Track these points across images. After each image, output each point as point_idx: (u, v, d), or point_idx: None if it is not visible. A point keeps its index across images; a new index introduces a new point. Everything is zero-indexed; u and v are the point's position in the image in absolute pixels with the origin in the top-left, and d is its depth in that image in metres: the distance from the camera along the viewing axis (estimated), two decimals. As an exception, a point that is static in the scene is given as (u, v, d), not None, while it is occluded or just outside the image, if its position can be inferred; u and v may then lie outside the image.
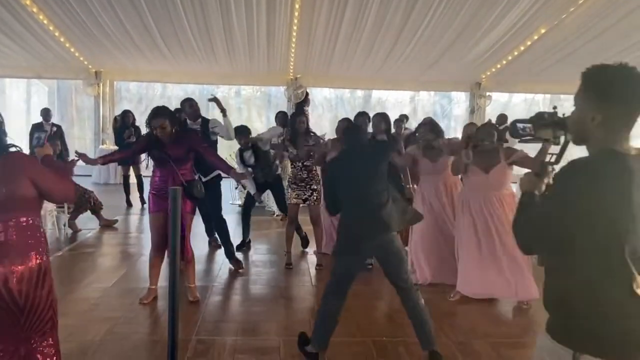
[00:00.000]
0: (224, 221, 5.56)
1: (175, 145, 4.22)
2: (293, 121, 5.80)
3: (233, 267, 5.38)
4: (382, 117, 5.64)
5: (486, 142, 4.49)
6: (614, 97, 1.54)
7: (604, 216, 1.48)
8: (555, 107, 1.84)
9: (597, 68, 1.57)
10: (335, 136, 5.75)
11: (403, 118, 8.01)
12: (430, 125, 5.11)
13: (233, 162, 6.40)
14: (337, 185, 3.33)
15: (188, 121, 5.58)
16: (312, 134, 5.72)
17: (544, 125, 1.83)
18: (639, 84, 1.53)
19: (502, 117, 8.88)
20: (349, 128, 3.94)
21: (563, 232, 1.55)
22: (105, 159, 4.46)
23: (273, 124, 7.72)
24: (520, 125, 1.90)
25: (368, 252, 3.26)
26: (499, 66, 10.79)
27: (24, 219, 2.30)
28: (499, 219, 4.46)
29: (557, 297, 1.65)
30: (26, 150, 2.72)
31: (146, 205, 4.66)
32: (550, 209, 1.59)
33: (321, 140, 5.63)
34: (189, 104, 5.55)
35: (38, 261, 2.32)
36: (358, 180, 3.28)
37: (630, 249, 1.50)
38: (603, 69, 1.56)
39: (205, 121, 5.61)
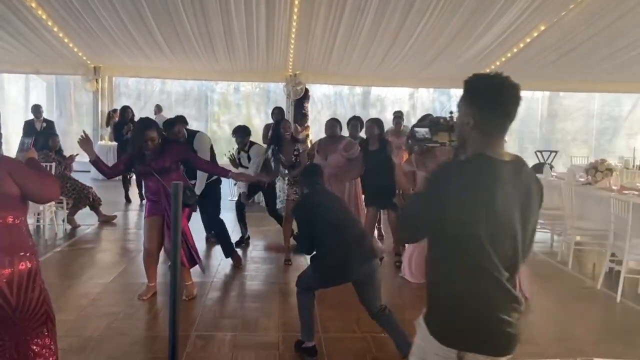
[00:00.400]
0: (222, 223, 5.60)
1: (159, 157, 4.15)
2: (277, 127, 5.77)
3: (233, 263, 5.42)
4: (375, 122, 5.65)
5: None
6: (483, 103, 1.66)
7: (466, 215, 1.58)
8: (451, 112, 2.01)
9: (474, 76, 1.71)
10: (325, 135, 5.78)
11: (401, 114, 8.03)
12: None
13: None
14: (313, 226, 3.32)
15: None
16: (299, 141, 5.75)
17: (440, 130, 1.95)
18: (506, 93, 1.65)
19: None
20: (306, 171, 3.85)
21: (434, 229, 1.66)
22: (97, 162, 4.15)
23: (272, 120, 7.73)
24: (418, 130, 2.03)
25: (356, 277, 3.28)
26: (498, 63, 10.77)
27: (11, 218, 2.31)
28: None
29: (436, 294, 1.72)
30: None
31: (144, 201, 4.64)
32: (422, 205, 1.70)
33: (304, 152, 5.69)
34: (171, 130, 5.18)
35: (28, 265, 2.33)
36: (336, 215, 3.37)
37: (493, 245, 1.59)
38: (478, 77, 1.70)
39: (191, 134, 5.53)
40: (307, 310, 3.38)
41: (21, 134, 8.79)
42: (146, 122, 4.20)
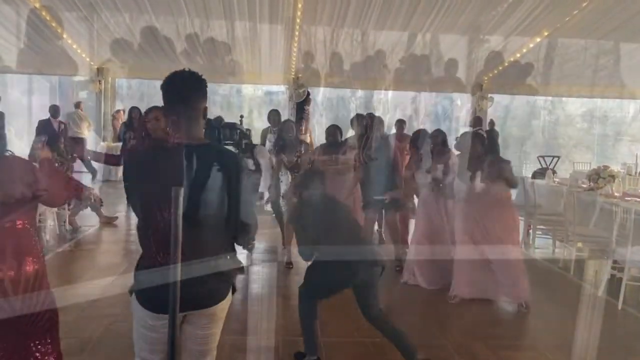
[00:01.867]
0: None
1: None
2: (281, 129, 5.86)
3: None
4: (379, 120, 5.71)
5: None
6: (163, 95, 1.97)
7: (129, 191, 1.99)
8: (242, 116, 2.21)
9: None
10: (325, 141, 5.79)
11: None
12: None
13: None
14: (312, 232, 3.30)
15: None
16: (303, 142, 5.78)
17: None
18: (174, 82, 1.96)
19: (477, 120, 8.89)
20: (306, 175, 3.90)
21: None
22: None
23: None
24: None
25: (356, 283, 3.29)
26: (501, 68, 10.79)
27: (20, 222, 2.27)
28: (498, 223, 4.49)
29: None
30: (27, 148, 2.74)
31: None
32: None
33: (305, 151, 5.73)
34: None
35: (35, 267, 2.28)
36: (335, 220, 3.38)
37: (150, 220, 1.87)
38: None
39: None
40: (309, 321, 3.31)
41: (24, 135, 8.79)
42: None
